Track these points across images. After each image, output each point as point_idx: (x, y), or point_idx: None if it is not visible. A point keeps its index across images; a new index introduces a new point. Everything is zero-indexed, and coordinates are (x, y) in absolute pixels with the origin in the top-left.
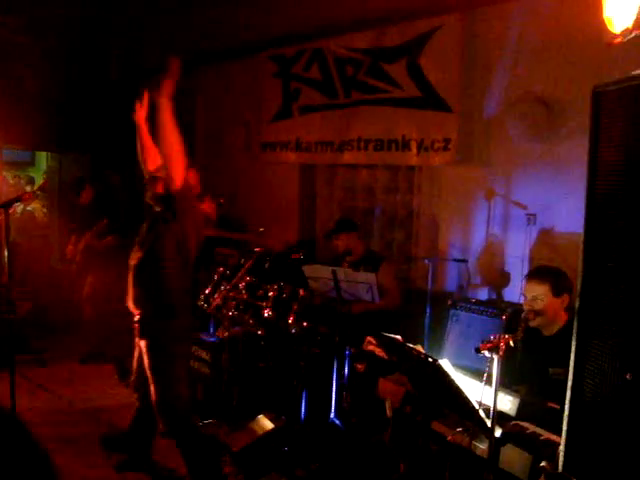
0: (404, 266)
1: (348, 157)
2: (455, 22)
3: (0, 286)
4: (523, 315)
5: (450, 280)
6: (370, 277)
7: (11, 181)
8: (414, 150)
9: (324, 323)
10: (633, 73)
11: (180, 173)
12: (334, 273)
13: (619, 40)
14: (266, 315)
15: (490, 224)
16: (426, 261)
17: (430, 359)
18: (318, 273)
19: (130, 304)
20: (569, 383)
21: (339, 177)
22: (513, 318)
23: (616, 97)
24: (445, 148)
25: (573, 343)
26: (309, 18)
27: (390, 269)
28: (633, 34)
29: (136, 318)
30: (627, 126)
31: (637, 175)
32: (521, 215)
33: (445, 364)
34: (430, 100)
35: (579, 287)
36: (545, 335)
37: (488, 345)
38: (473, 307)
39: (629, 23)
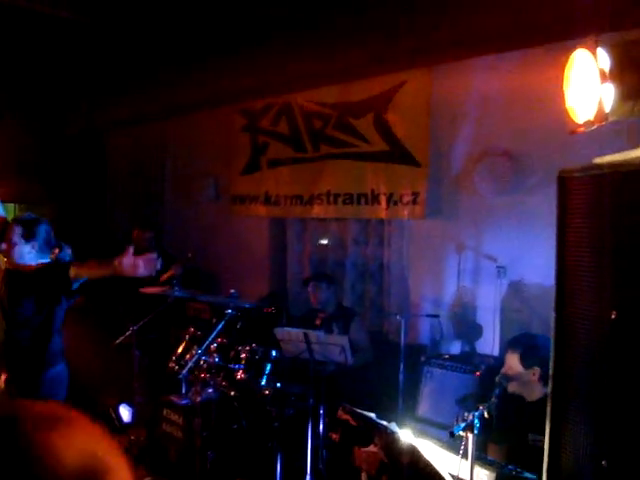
0: (376, 320)
1: (318, 210)
2: (421, 77)
3: None
4: (497, 379)
5: (423, 333)
6: (342, 339)
7: None
8: (383, 204)
9: (297, 383)
10: (595, 160)
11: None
12: (306, 336)
13: (581, 130)
14: (239, 377)
15: (461, 276)
16: (398, 317)
17: (404, 441)
18: (290, 336)
19: None
20: (544, 465)
21: (309, 230)
22: (487, 375)
23: (580, 184)
24: (414, 202)
25: (547, 424)
26: (277, 73)
27: (362, 325)
28: (595, 126)
29: None
30: (590, 211)
31: (601, 255)
32: (491, 267)
33: (409, 436)
34: (398, 154)
35: (551, 369)
36: (527, 401)
37: (462, 423)
38: (447, 364)
39: (590, 116)
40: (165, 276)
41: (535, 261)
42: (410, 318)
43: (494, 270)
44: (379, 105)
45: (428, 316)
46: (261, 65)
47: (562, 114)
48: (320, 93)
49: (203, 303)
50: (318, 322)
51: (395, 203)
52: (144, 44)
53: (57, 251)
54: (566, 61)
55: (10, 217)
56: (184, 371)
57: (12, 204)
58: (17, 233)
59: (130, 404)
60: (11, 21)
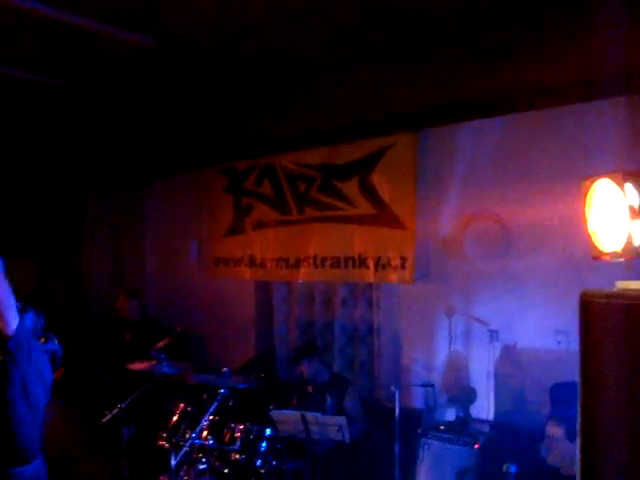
0: (368, 386)
1: (304, 274)
2: (407, 140)
3: None
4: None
5: (417, 398)
6: (341, 420)
7: None
8: (372, 268)
9: (293, 458)
10: (618, 285)
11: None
12: (303, 417)
13: (607, 259)
14: (233, 458)
15: (452, 340)
16: (392, 388)
17: None
18: (287, 418)
19: None
20: None
21: (295, 291)
22: (486, 446)
23: (604, 311)
24: (402, 266)
25: None
26: (260, 134)
27: (356, 395)
28: (622, 260)
29: None
30: (618, 341)
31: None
32: (483, 331)
33: None
34: (384, 218)
35: None
36: (563, 474)
37: None
38: (444, 436)
39: (618, 248)
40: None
41: (527, 325)
42: (404, 388)
43: (486, 334)
44: (365, 168)
45: (423, 386)
46: (244, 126)
47: (550, 180)
48: (304, 155)
49: None
50: (310, 390)
51: (383, 267)
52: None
53: (43, 341)
54: (586, 190)
55: None
56: (178, 456)
57: None
58: None
59: None
60: None
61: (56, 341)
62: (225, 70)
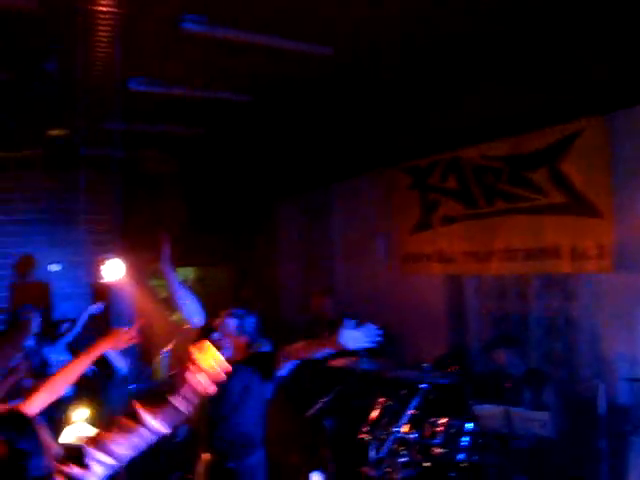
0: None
1: (496, 267)
2: (598, 125)
3: None
4: None
5: (621, 394)
6: (544, 414)
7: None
8: (566, 258)
9: (494, 455)
10: None
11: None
12: (507, 412)
13: None
14: (435, 452)
15: None
16: (595, 382)
17: None
18: (491, 412)
19: None
20: None
21: (486, 285)
22: None
23: None
24: (600, 255)
25: None
26: (446, 128)
27: (554, 388)
28: None
29: None
30: None
31: None
32: None
33: None
34: (578, 206)
35: None
36: None
37: None
38: None
39: None
40: None
41: None
42: (610, 383)
43: None
44: (554, 156)
45: (630, 380)
46: (424, 123)
47: None
48: (489, 147)
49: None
50: (508, 385)
51: (579, 257)
52: None
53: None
54: None
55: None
56: (382, 449)
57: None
58: (232, 325)
59: (323, 472)
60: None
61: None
62: (406, 71)
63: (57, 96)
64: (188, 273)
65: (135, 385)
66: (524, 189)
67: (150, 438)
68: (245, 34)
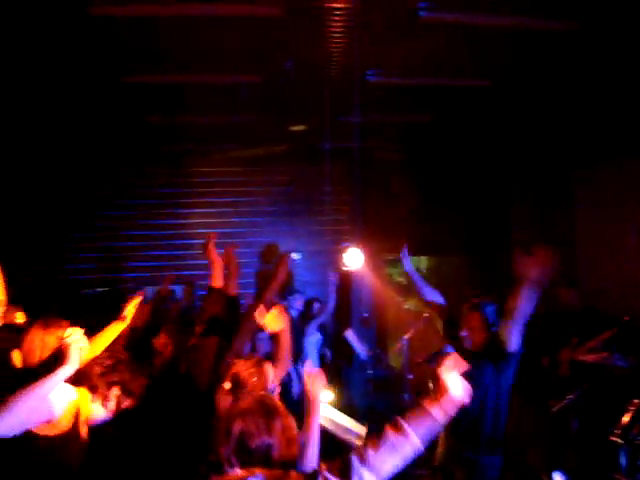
0: None
1: None
2: None
3: None
4: None
5: None
6: None
7: None
8: None
9: None
10: None
11: None
12: None
13: None
14: None
15: None
16: None
17: None
18: None
19: None
20: None
21: None
22: None
23: None
24: None
25: None
26: None
27: None
28: None
29: None
30: None
31: None
32: None
33: None
34: None
35: None
36: None
37: None
38: None
39: None
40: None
41: None
42: None
43: None
44: None
45: None
46: None
47: None
48: None
49: None
50: None
51: None
52: None
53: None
54: None
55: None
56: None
57: (421, 257)
58: (479, 319)
59: (566, 474)
60: None
61: None
62: None
63: (299, 94)
64: (421, 262)
65: (373, 371)
66: None
67: (410, 455)
68: (484, 17)
